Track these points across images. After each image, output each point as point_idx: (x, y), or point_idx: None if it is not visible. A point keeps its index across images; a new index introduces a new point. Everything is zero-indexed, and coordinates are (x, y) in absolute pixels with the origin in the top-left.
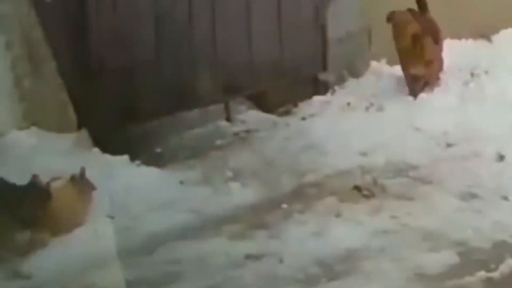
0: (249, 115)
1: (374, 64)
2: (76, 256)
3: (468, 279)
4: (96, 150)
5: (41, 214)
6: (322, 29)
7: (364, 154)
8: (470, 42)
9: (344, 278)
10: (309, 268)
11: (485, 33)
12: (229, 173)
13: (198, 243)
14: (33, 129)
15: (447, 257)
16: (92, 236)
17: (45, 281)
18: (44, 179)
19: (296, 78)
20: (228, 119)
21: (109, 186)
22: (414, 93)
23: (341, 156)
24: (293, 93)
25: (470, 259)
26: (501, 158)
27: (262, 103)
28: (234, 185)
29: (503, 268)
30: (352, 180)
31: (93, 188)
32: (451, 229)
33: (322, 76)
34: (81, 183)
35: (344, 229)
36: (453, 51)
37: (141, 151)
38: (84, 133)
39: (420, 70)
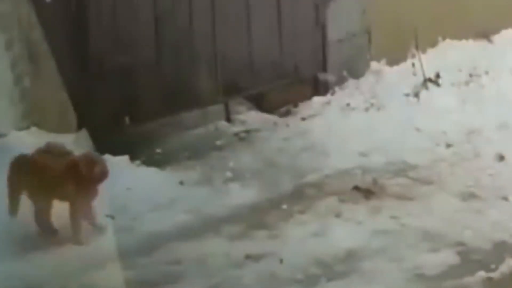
0: (249, 116)
1: (374, 64)
2: (76, 256)
3: (468, 279)
4: (95, 150)
5: None
6: (322, 29)
7: (364, 154)
8: (470, 42)
9: (344, 278)
10: (309, 268)
11: (485, 33)
12: (229, 174)
13: (198, 243)
14: (33, 129)
15: (447, 257)
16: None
17: (45, 280)
18: None
19: (296, 78)
20: (228, 119)
21: (109, 187)
22: None
23: (341, 156)
24: (293, 94)
25: (470, 259)
26: (501, 158)
27: (262, 104)
28: (234, 186)
29: (503, 268)
30: (352, 180)
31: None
32: (451, 229)
33: (322, 77)
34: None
35: (344, 229)
36: (453, 51)
37: (141, 151)
38: (84, 133)
39: None
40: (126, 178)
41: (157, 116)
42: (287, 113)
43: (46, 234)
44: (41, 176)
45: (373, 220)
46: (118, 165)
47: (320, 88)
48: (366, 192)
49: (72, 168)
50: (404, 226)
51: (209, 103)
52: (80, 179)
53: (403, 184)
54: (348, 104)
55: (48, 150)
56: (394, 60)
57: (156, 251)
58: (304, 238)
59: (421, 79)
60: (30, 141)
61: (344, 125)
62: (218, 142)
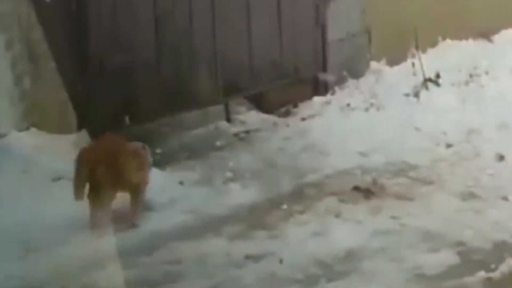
0: (249, 116)
1: (374, 64)
2: (76, 256)
3: (468, 279)
4: None
5: None
6: (322, 29)
7: (364, 154)
8: (470, 42)
9: (344, 278)
10: (309, 268)
11: (485, 33)
12: (229, 174)
13: (198, 243)
14: (33, 130)
15: (447, 257)
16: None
17: (45, 281)
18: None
19: (296, 78)
20: (228, 119)
21: None
22: None
23: (341, 156)
24: (293, 94)
25: (470, 259)
26: (501, 158)
27: (262, 104)
28: (234, 186)
29: (503, 268)
30: (352, 180)
31: None
32: (451, 229)
33: (322, 77)
34: None
35: (344, 229)
36: (453, 51)
37: None
38: (83, 133)
39: None
40: None
41: (157, 116)
42: (287, 113)
43: (101, 229)
44: (107, 169)
45: (373, 220)
46: None
47: (320, 88)
48: (366, 192)
49: (136, 156)
50: (404, 226)
51: (209, 103)
52: (144, 166)
53: (403, 184)
54: (348, 104)
55: (108, 143)
56: (394, 60)
57: (156, 251)
58: (304, 238)
59: (421, 79)
60: (30, 141)
61: (344, 125)
62: (218, 142)
